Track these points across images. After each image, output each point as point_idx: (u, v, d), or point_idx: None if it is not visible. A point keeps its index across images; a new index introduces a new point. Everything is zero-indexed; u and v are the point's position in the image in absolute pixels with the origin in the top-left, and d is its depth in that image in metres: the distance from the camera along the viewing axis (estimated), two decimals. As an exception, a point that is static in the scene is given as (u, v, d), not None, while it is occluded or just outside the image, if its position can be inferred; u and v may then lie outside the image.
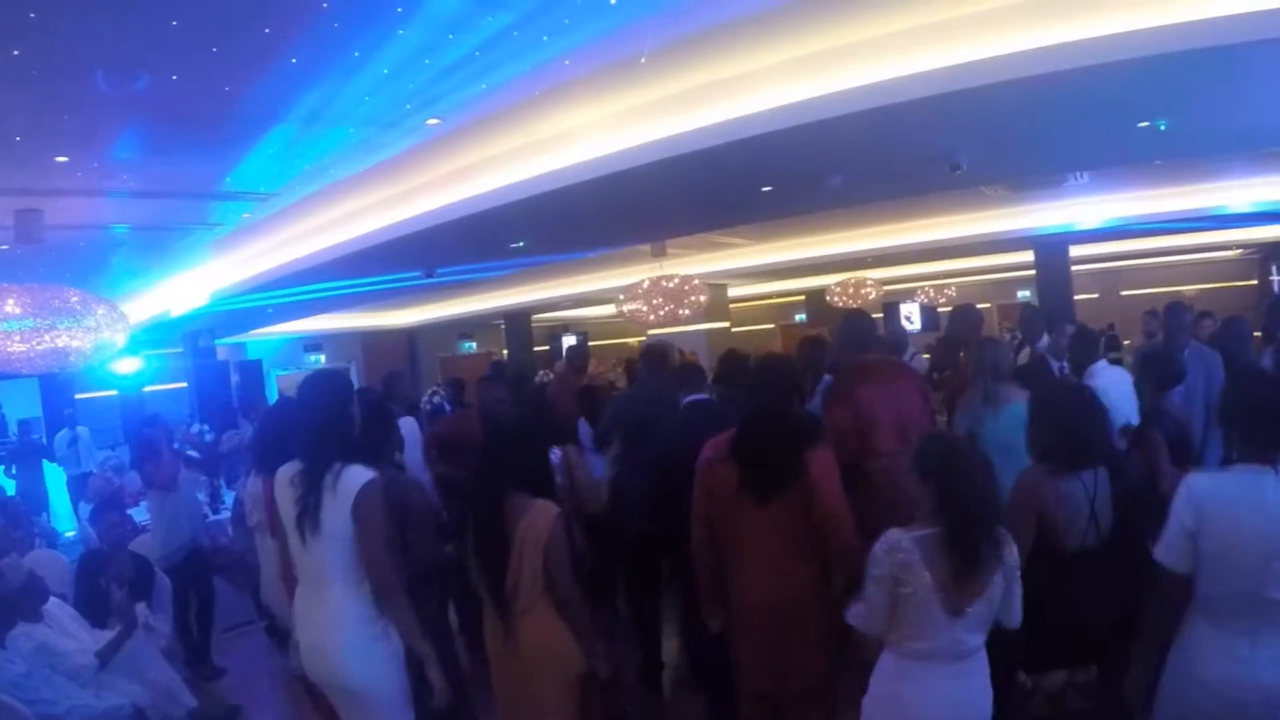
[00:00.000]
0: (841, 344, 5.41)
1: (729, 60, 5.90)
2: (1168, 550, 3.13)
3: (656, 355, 6.86)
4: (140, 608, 5.73)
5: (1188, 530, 3.07)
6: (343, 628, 3.66)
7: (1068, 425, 3.83)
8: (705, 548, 4.32)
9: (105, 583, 5.98)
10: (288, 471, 3.78)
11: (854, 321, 5.33)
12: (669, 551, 5.41)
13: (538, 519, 3.90)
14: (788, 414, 4.29)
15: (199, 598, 7.13)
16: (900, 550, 3.16)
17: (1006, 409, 4.91)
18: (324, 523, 3.58)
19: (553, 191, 7.12)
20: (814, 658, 4.07)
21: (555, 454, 5.11)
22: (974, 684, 3.28)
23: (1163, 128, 7.01)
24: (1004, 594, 3.24)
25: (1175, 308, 6.63)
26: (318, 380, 4.01)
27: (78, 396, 15.43)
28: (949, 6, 5.29)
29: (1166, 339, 6.66)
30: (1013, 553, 3.27)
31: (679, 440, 4.89)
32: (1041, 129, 7.04)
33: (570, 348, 10.16)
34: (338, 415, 3.75)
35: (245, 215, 8.54)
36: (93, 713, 4.79)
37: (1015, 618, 3.31)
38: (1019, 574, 3.29)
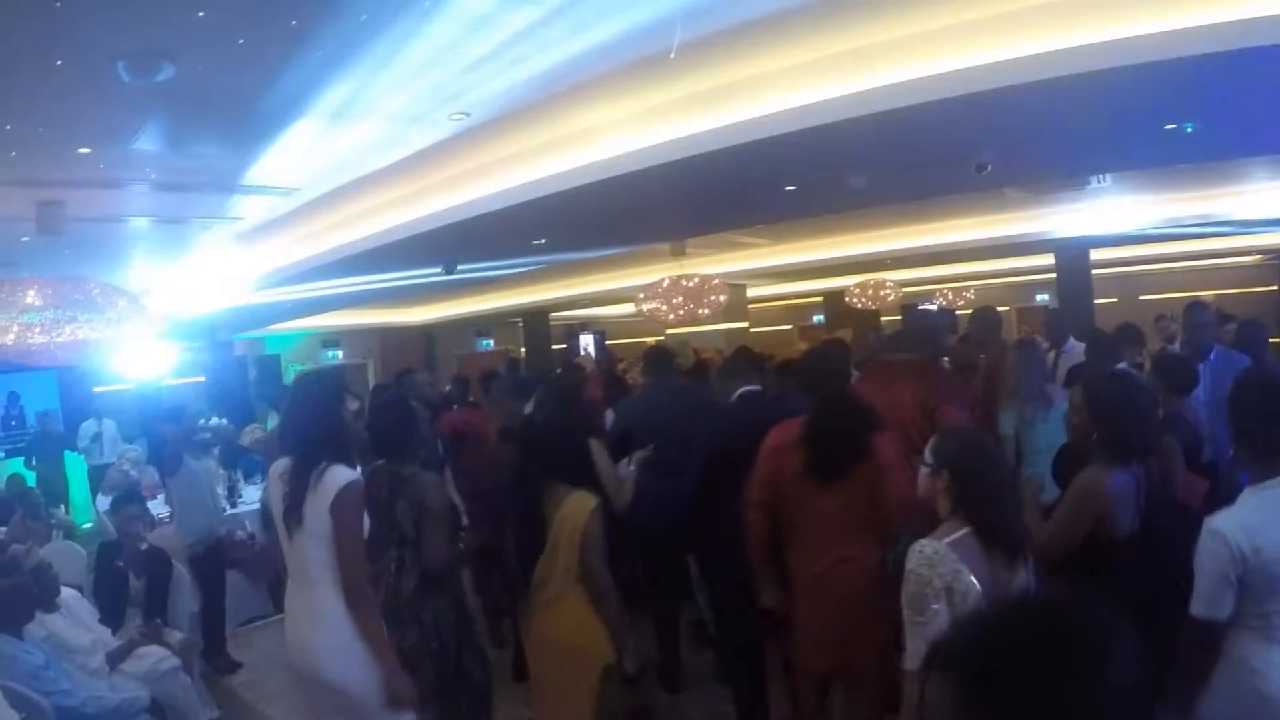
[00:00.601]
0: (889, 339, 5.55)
1: (754, 59, 5.85)
2: (1211, 603, 3.04)
3: (665, 357, 6.97)
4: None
5: (1229, 579, 3.00)
6: (324, 625, 3.69)
7: (1124, 416, 3.82)
8: (764, 529, 4.44)
9: (124, 571, 6.00)
10: (279, 467, 3.86)
11: (909, 317, 5.55)
12: (700, 549, 5.54)
13: (575, 510, 4.00)
14: (856, 401, 4.43)
15: (210, 592, 7.14)
16: (944, 560, 2.99)
17: (1057, 408, 5.14)
18: (306, 519, 3.64)
19: (576, 188, 7.10)
20: (871, 633, 4.10)
21: None
22: None
23: (1190, 130, 6.93)
24: (1025, 583, 3.17)
25: (1195, 307, 6.59)
26: (309, 380, 4.18)
27: (96, 390, 15.44)
28: (976, 7, 5.22)
29: (1187, 341, 6.62)
30: (1031, 542, 3.31)
31: (734, 430, 5.05)
32: (1068, 130, 6.97)
33: (600, 352, 10.20)
34: (326, 415, 3.80)
35: (267, 210, 8.52)
36: (108, 705, 4.78)
37: None
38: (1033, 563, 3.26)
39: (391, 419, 4.78)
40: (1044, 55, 5.19)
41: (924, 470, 3.30)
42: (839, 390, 4.48)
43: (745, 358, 6.23)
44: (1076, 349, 7.92)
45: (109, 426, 13.38)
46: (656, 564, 6.08)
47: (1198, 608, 3.07)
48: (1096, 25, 5.04)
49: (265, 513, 7.83)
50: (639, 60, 5.65)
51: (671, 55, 5.28)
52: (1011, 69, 5.29)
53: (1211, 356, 5.94)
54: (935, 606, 2.95)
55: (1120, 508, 3.74)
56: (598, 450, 5.32)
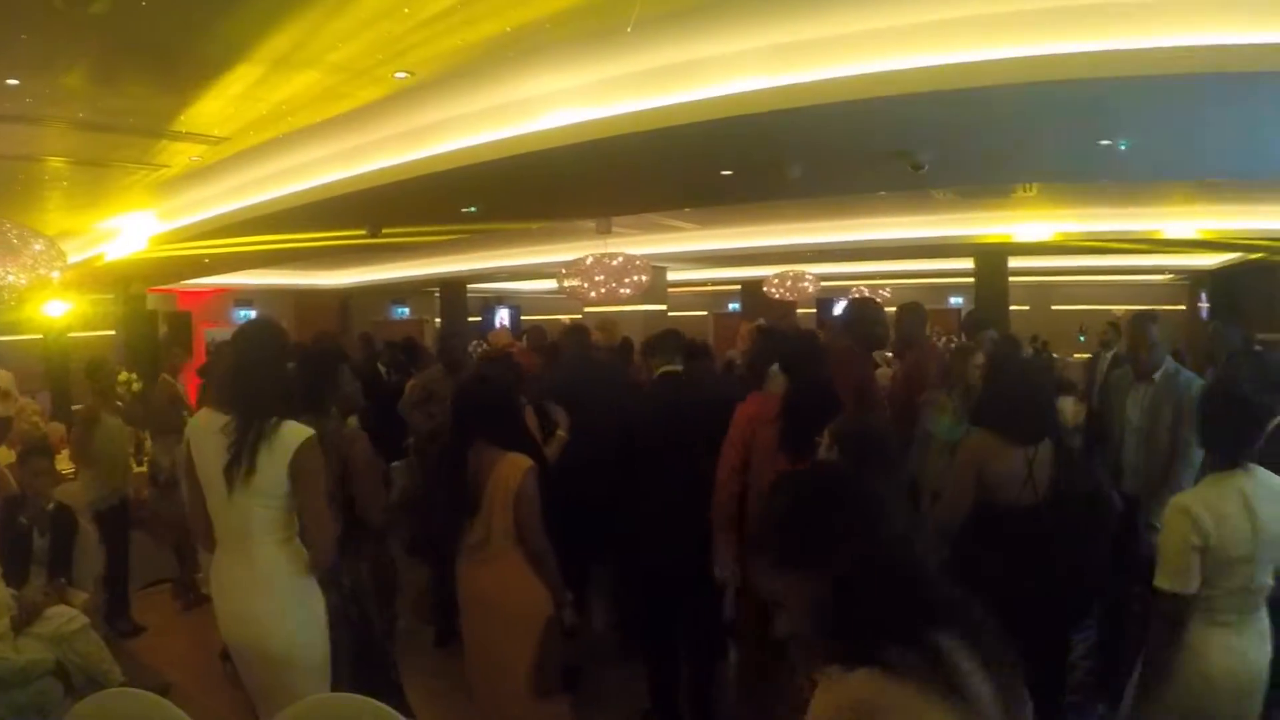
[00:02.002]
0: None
1: (705, 40, 5.82)
2: (1182, 576, 3.19)
3: (582, 333, 7.08)
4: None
5: (1193, 549, 3.16)
6: (265, 589, 3.50)
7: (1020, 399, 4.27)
8: (732, 494, 4.63)
9: (28, 528, 5.76)
10: (212, 422, 3.57)
11: (851, 305, 6.14)
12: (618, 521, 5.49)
13: (509, 472, 3.94)
14: (830, 386, 4.58)
15: (115, 551, 6.90)
16: None
17: None
18: (256, 478, 3.40)
19: (515, 157, 6.97)
20: None
21: None
22: None
23: (1123, 148, 7.07)
24: None
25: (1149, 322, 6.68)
26: (253, 330, 3.87)
27: (1, 339, 14.84)
28: (927, 10, 5.28)
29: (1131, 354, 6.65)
30: None
31: (652, 406, 5.28)
32: (1006, 137, 7.06)
33: (530, 328, 10.12)
34: (274, 368, 3.60)
35: (193, 158, 8.26)
36: (13, 667, 4.59)
37: None
38: None
39: (309, 371, 4.67)
40: (988, 63, 5.27)
41: (825, 441, 3.58)
42: (818, 374, 4.66)
43: (672, 338, 6.25)
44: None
45: (4, 377, 12.83)
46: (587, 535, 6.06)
47: (1164, 581, 3.22)
48: (1042, 38, 5.12)
49: (152, 470, 7.59)
50: (591, 32, 5.59)
51: (629, 29, 5.22)
52: (956, 73, 5.35)
53: (1156, 376, 5.72)
54: None
55: (1002, 479, 4.11)
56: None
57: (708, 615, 5.05)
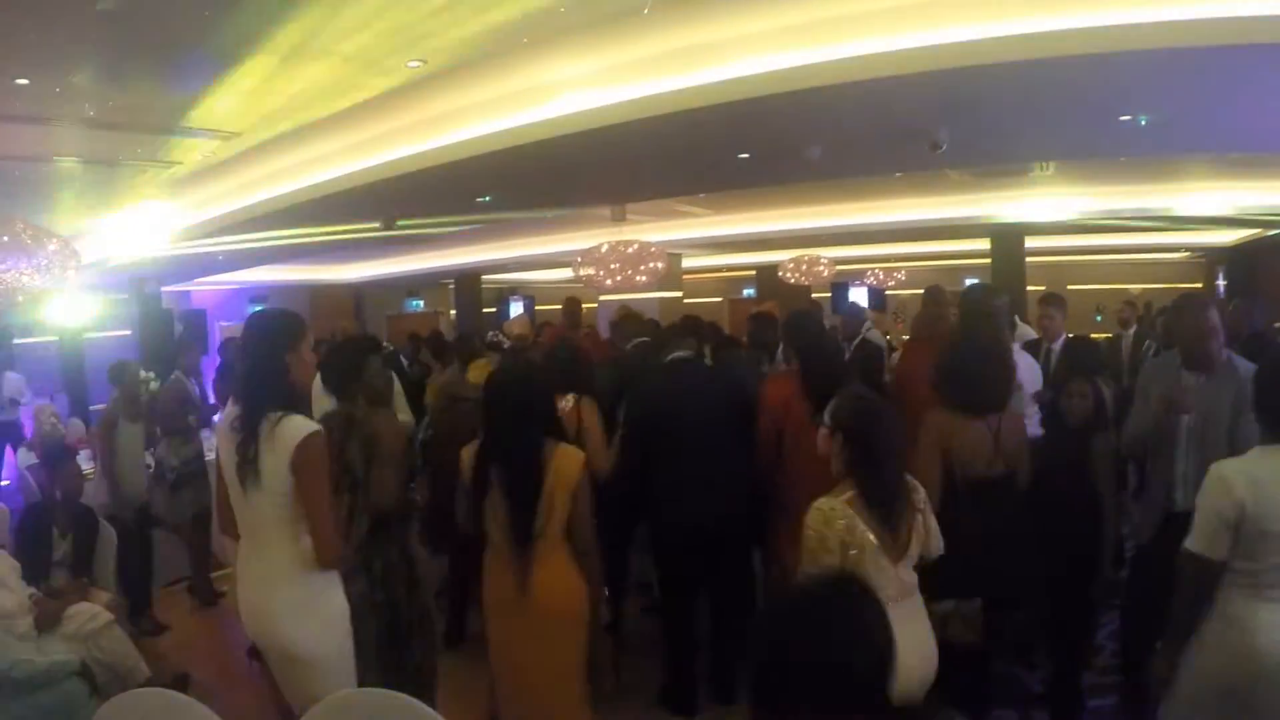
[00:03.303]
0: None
1: (721, 22, 5.76)
2: (1209, 542, 3.21)
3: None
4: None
5: (1227, 521, 3.15)
6: (281, 586, 3.45)
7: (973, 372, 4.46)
8: (772, 465, 5.00)
9: (49, 530, 5.75)
10: (229, 415, 3.54)
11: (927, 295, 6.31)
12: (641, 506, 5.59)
13: (569, 465, 3.87)
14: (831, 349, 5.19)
15: (138, 551, 6.90)
16: (841, 516, 3.33)
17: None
18: (263, 474, 3.35)
19: (530, 144, 6.89)
20: None
21: (566, 400, 5.24)
22: (924, 620, 3.57)
23: (1143, 123, 6.99)
24: (925, 530, 3.54)
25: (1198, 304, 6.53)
26: (259, 321, 3.70)
27: (16, 341, 14.80)
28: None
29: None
30: (921, 492, 3.60)
31: (663, 394, 5.37)
32: (1026, 114, 6.96)
33: (566, 303, 10.14)
34: (273, 359, 3.48)
35: (206, 154, 8.21)
36: (35, 669, 4.56)
37: (937, 547, 3.60)
38: (929, 508, 3.62)
39: (340, 357, 4.64)
40: (1010, 38, 5.18)
41: (822, 431, 3.59)
42: (817, 342, 5.29)
43: (688, 324, 6.30)
44: (1025, 330, 8.01)
45: (12, 380, 12.76)
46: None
47: (1194, 543, 3.26)
48: (1065, 11, 5.04)
49: (158, 470, 7.58)
50: (606, 15, 5.52)
51: (645, 11, 5.15)
52: (977, 49, 5.27)
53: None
54: (828, 560, 3.29)
55: (968, 452, 4.30)
56: (586, 406, 5.34)
57: (737, 579, 5.31)
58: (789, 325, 5.89)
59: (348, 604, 3.62)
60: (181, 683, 5.56)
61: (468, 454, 4.03)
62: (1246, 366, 4.36)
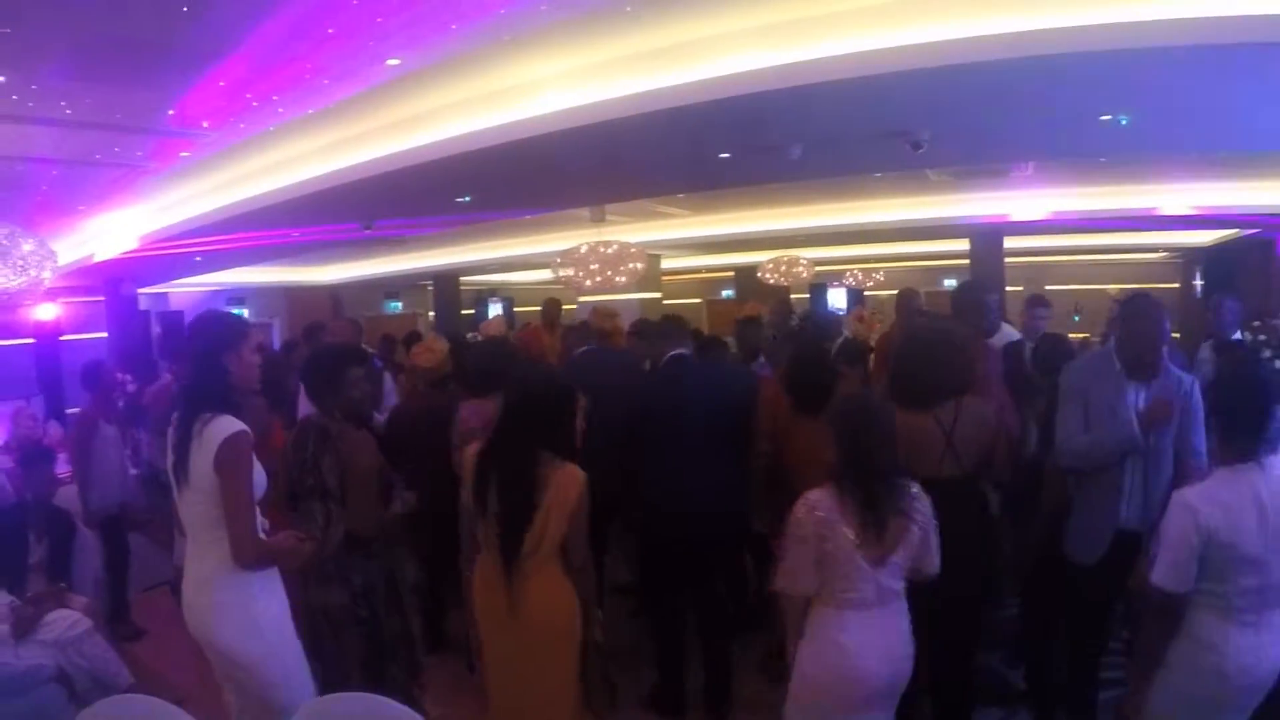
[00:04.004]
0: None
1: (702, 20, 5.76)
2: (1173, 574, 3.19)
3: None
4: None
5: (1193, 550, 3.13)
6: (215, 586, 3.45)
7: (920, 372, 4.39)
8: (766, 459, 5.10)
9: (24, 533, 5.67)
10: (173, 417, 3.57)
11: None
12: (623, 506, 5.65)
13: (567, 484, 3.81)
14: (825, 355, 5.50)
15: (115, 555, 6.83)
16: (819, 509, 3.41)
17: None
18: (192, 474, 3.38)
19: (510, 144, 6.89)
20: None
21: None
22: (901, 625, 3.54)
23: (1124, 123, 7.00)
24: (921, 544, 3.51)
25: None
26: (198, 323, 3.71)
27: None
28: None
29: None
30: (925, 505, 3.56)
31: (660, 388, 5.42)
32: (1007, 113, 7.01)
33: (545, 303, 10.12)
34: (211, 361, 3.50)
35: (182, 154, 8.14)
36: (14, 672, 4.50)
37: (933, 566, 3.58)
38: (936, 525, 3.57)
39: (321, 367, 4.59)
40: (991, 37, 5.21)
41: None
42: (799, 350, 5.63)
43: (678, 324, 6.27)
44: (1007, 330, 8.00)
45: None
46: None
47: (1161, 578, 3.21)
48: (1047, 10, 5.07)
49: (148, 472, 7.51)
50: (586, 13, 5.48)
51: (628, 8, 5.12)
52: (958, 48, 5.29)
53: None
54: (802, 549, 3.42)
55: (916, 447, 4.14)
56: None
57: (727, 581, 5.39)
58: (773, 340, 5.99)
59: (286, 605, 3.61)
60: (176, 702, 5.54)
61: (469, 455, 3.99)
62: (1183, 375, 4.33)
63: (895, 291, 7.19)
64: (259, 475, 3.51)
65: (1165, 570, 3.19)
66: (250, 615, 3.46)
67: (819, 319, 10.38)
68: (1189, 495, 3.22)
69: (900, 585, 3.51)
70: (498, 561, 3.84)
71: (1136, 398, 4.24)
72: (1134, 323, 4.31)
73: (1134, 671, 3.45)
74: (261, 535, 3.52)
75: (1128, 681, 3.64)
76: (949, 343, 4.50)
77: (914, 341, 4.61)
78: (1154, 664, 3.31)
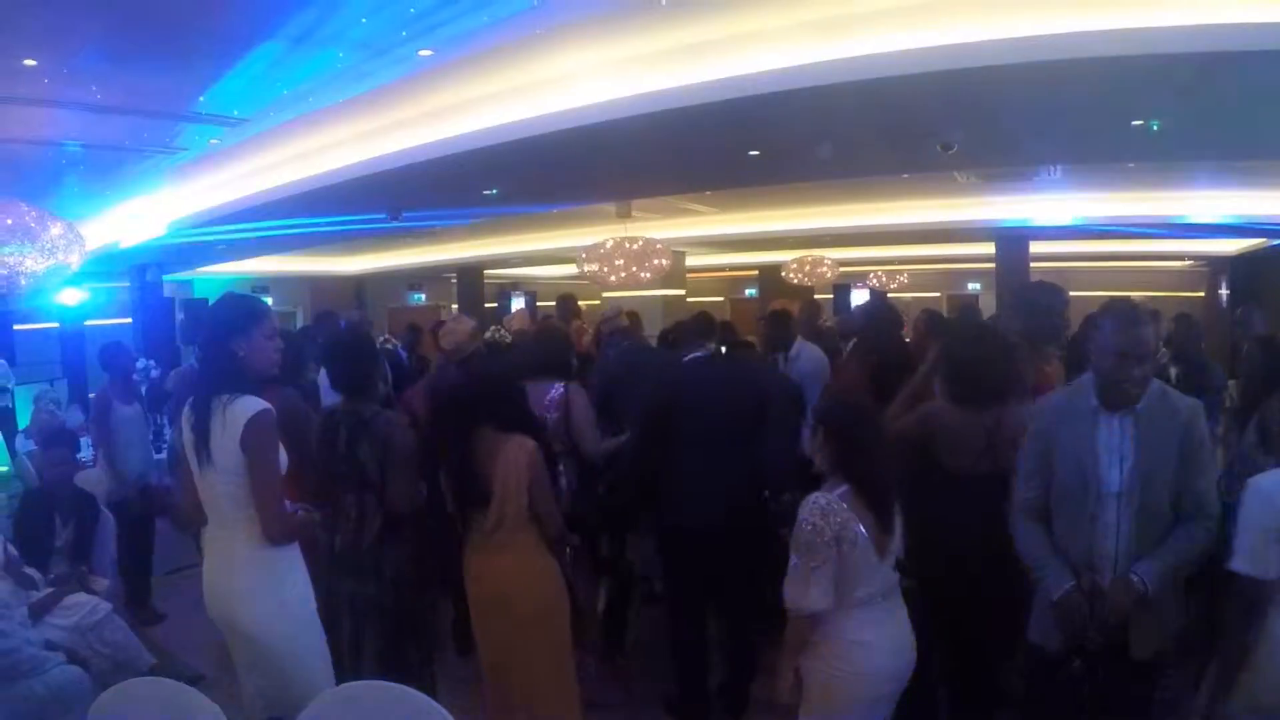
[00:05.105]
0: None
1: (734, 17, 5.74)
2: (1257, 561, 3.01)
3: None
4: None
5: (1269, 533, 2.98)
6: (240, 567, 3.45)
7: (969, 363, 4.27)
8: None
9: (50, 517, 5.70)
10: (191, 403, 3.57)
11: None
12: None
13: (516, 455, 3.95)
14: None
15: (138, 539, 6.85)
16: (836, 512, 3.33)
17: None
18: (214, 455, 3.37)
19: (539, 137, 6.88)
20: None
21: (557, 389, 5.22)
22: (904, 614, 3.56)
23: (1155, 128, 6.95)
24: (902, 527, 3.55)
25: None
26: (211, 308, 3.75)
27: (16, 328, 14.73)
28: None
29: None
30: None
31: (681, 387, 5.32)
32: (1040, 116, 6.94)
33: (560, 299, 10.11)
34: (222, 345, 3.48)
35: (212, 141, 8.16)
36: (31, 653, 4.51)
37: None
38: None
39: (351, 354, 4.59)
40: (1027, 39, 5.16)
41: (807, 430, 3.70)
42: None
43: (702, 322, 6.27)
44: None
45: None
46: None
47: (1241, 563, 3.05)
48: (1082, 13, 5.03)
49: (173, 455, 7.51)
50: (620, 8, 5.49)
51: (663, 2, 5.10)
52: (991, 50, 5.26)
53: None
54: (825, 554, 3.30)
55: (955, 443, 4.17)
56: (573, 392, 5.33)
57: (749, 589, 5.13)
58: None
59: (311, 587, 3.61)
60: (193, 683, 5.56)
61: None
62: (1186, 400, 3.41)
63: (915, 295, 7.17)
64: (282, 455, 3.50)
65: (1245, 556, 3.04)
66: (279, 597, 3.46)
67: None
68: (1263, 481, 3.12)
69: (897, 576, 3.53)
70: (469, 540, 4.03)
71: (1119, 435, 3.36)
72: (1103, 337, 3.38)
73: (1219, 676, 3.21)
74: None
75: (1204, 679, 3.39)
76: (997, 343, 4.49)
77: (969, 342, 4.56)
78: (1239, 662, 3.13)
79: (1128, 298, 3.76)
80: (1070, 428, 3.46)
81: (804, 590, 3.34)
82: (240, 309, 3.62)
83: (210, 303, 3.94)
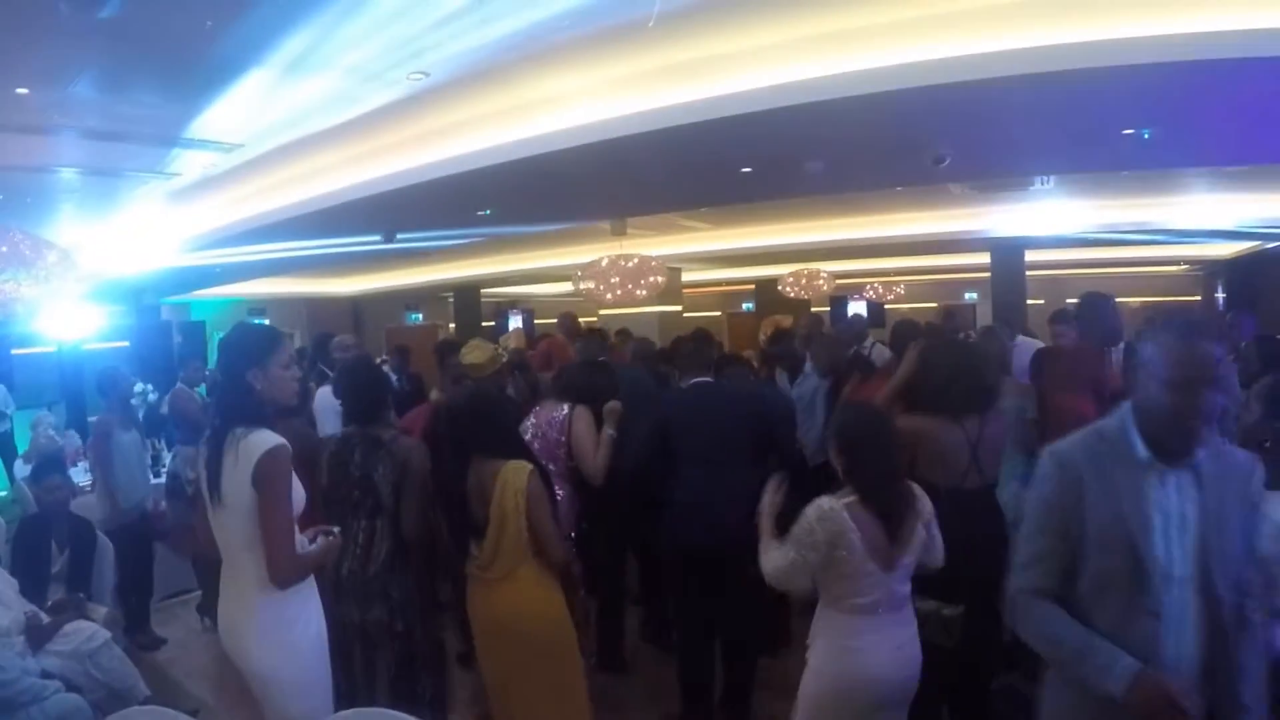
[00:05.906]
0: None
1: (724, 36, 5.72)
2: None
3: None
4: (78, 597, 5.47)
5: None
6: (253, 605, 3.39)
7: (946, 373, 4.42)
8: None
9: (47, 543, 5.69)
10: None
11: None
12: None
13: (513, 479, 3.92)
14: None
15: (137, 564, 6.85)
16: (832, 519, 3.42)
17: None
18: (225, 493, 3.31)
19: (531, 158, 6.89)
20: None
21: (563, 410, 5.36)
22: (911, 630, 3.60)
23: (1146, 136, 6.96)
24: (927, 540, 3.59)
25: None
26: (226, 338, 3.68)
27: (14, 352, 14.72)
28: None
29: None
30: (927, 503, 3.62)
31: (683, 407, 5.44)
32: (1030, 128, 6.95)
33: (562, 316, 10.15)
34: (236, 376, 3.44)
35: (206, 166, 8.16)
36: (19, 686, 4.50)
37: (938, 559, 3.65)
38: (935, 520, 3.63)
39: (364, 381, 4.60)
40: (1014, 52, 5.18)
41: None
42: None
43: (700, 340, 6.29)
44: (1027, 343, 8.00)
45: None
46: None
47: None
48: (1069, 25, 5.04)
49: (171, 483, 7.51)
50: (610, 28, 5.48)
51: (650, 24, 5.12)
52: (980, 63, 5.27)
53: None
54: (811, 555, 3.43)
55: (938, 458, 4.27)
56: (578, 413, 5.41)
57: (748, 608, 5.15)
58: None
59: (324, 622, 3.58)
60: (192, 713, 5.54)
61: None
62: (1241, 452, 2.68)
63: (917, 306, 7.20)
64: (298, 491, 3.46)
65: None
66: (291, 637, 3.43)
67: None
68: None
69: (909, 586, 3.57)
70: (468, 572, 4.01)
71: (1176, 498, 2.50)
72: (1161, 359, 2.46)
73: None
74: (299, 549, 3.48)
75: None
76: (975, 352, 4.63)
77: (946, 349, 4.66)
78: None
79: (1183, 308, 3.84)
80: (1105, 485, 2.53)
81: (775, 561, 3.54)
82: (254, 340, 3.57)
83: (210, 328, 3.95)
